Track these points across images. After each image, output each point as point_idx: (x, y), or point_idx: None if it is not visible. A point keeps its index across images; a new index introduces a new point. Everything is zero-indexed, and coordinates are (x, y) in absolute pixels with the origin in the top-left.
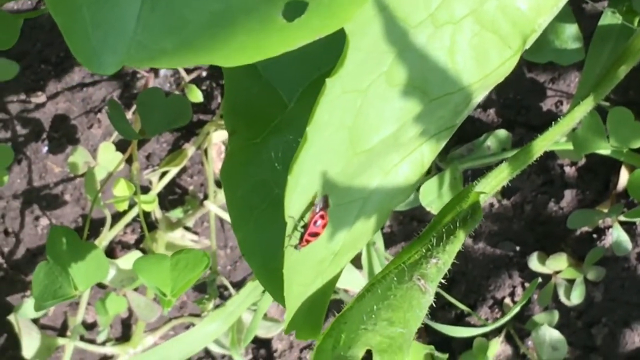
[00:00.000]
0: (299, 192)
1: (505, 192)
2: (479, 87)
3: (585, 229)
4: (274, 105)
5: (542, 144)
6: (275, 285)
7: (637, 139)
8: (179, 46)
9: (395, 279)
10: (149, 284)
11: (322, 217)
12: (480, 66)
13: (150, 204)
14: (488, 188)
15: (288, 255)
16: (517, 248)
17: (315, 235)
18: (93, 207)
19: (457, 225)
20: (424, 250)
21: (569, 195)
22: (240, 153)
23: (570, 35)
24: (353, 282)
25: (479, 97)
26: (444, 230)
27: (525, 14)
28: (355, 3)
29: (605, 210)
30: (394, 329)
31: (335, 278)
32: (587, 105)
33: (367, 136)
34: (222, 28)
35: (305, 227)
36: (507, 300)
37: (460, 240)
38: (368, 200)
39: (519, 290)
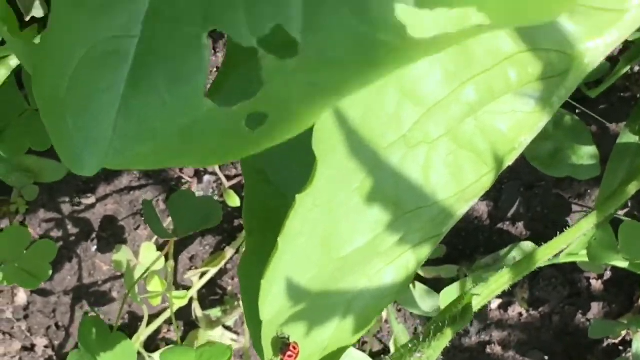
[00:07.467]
0: (272, 298)
1: (533, 303)
2: (456, 200)
3: (612, 340)
4: (284, 208)
5: (545, 252)
6: None
7: None
8: (152, 152)
9: None
10: None
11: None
12: (456, 181)
13: (182, 300)
14: (486, 292)
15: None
16: (546, 358)
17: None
18: (125, 301)
19: (446, 323)
20: (410, 345)
21: (595, 307)
22: (255, 253)
23: (586, 152)
24: None
25: (461, 209)
26: (432, 327)
27: (505, 134)
28: (310, 116)
29: (626, 322)
30: None
31: None
32: (593, 218)
33: (340, 245)
34: (192, 137)
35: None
36: None
37: (446, 337)
38: (353, 303)
39: None
